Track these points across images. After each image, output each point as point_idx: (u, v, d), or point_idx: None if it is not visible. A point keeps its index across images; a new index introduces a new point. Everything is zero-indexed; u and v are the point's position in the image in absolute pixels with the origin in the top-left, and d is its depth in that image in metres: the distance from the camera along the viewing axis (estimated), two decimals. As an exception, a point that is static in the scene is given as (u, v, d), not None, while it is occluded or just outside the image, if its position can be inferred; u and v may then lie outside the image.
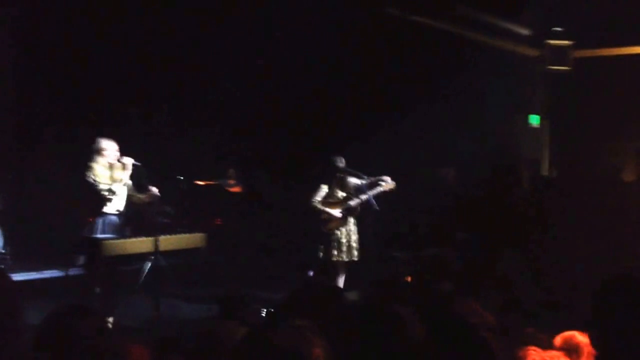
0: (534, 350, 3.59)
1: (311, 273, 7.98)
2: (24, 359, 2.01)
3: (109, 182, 7.94)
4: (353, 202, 9.32)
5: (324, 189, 9.31)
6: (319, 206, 9.25)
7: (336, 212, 9.27)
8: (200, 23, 11.08)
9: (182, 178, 10.39)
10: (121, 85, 10.98)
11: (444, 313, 2.48)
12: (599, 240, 8.54)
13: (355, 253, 9.36)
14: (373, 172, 9.47)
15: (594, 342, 2.79)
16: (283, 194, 11.42)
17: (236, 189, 11.82)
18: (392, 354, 2.20)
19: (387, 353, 2.21)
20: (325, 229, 9.27)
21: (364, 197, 9.24)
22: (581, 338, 3.65)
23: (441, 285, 5.58)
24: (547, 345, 3.67)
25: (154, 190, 8.14)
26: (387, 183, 9.36)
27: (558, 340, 3.74)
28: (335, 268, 9.19)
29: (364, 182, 9.34)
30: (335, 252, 9.22)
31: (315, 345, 2.48)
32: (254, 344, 2.60)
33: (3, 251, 10.21)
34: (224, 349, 3.10)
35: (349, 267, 9.37)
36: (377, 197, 9.27)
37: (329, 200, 9.31)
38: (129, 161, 8.04)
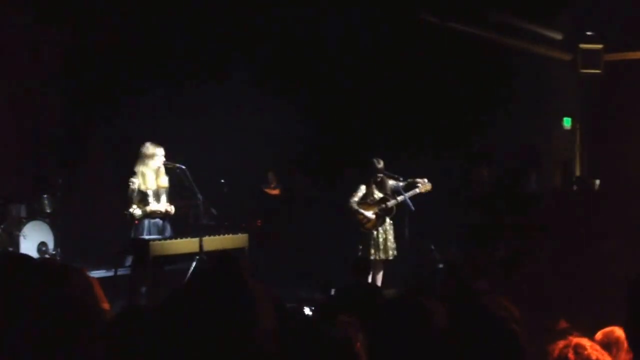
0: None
1: (333, 291, 8.15)
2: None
3: (154, 187, 8.13)
4: (389, 203, 9.56)
5: (362, 190, 9.56)
6: (355, 207, 9.50)
7: (369, 214, 9.50)
8: (243, 36, 11.34)
9: (223, 181, 10.63)
10: (168, 90, 11.26)
11: (473, 307, 2.59)
12: (632, 241, 8.62)
13: (391, 252, 9.61)
14: (409, 172, 9.68)
15: (631, 340, 2.91)
16: (322, 195, 11.60)
17: (275, 192, 12.04)
18: (416, 343, 2.31)
19: (412, 342, 2.31)
20: (363, 229, 9.53)
21: (400, 198, 9.48)
22: (620, 332, 3.77)
23: (477, 284, 5.79)
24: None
25: (171, 208, 8.27)
26: (424, 185, 9.57)
27: (599, 335, 3.88)
28: (373, 267, 9.42)
29: (400, 183, 9.57)
30: (373, 251, 9.48)
31: (357, 339, 2.75)
32: (308, 335, 2.83)
33: (54, 252, 10.58)
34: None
35: (386, 266, 9.62)
36: (413, 197, 9.50)
37: (367, 200, 9.56)
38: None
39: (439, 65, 11.58)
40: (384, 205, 9.54)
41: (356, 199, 9.53)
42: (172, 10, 10.84)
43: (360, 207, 9.52)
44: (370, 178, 9.56)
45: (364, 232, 9.55)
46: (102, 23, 10.87)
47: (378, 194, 9.59)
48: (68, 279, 1.96)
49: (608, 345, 3.73)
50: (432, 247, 10.02)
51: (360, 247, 9.54)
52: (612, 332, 3.88)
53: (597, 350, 3.13)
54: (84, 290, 2.01)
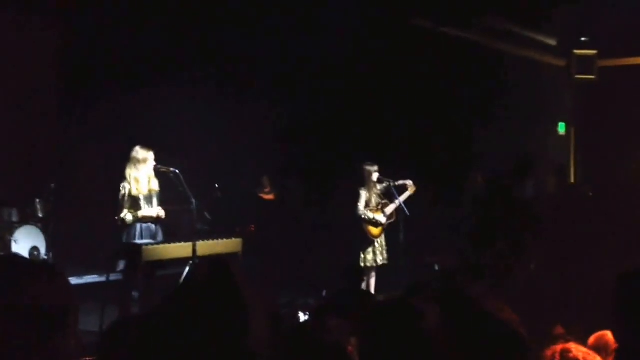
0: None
1: (324, 293, 8.11)
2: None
3: (145, 191, 8.05)
4: (387, 209, 9.54)
5: (364, 196, 9.50)
6: (369, 214, 9.45)
7: (382, 218, 9.49)
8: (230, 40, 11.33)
9: (217, 186, 10.59)
10: (161, 94, 11.19)
11: (474, 310, 2.57)
12: (624, 245, 8.65)
13: (386, 256, 9.59)
14: (403, 178, 9.68)
15: (616, 337, 2.94)
16: (316, 200, 11.58)
17: (270, 196, 12.02)
18: (408, 346, 2.28)
19: (403, 344, 2.29)
20: (371, 236, 9.47)
21: (396, 202, 9.46)
22: (611, 337, 3.75)
23: (474, 289, 5.74)
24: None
25: (162, 212, 8.17)
26: (410, 186, 9.59)
27: (591, 339, 3.95)
28: (368, 272, 9.39)
29: (386, 185, 9.56)
30: (370, 257, 9.45)
31: (349, 343, 2.74)
32: (301, 338, 2.82)
33: (45, 257, 10.52)
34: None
35: (379, 271, 9.58)
36: (405, 201, 9.49)
37: (370, 207, 9.52)
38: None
39: (433, 71, 11.60)
40: (385, 211, 9.54)
41: (363, 204, 9.47)
42: (167, 13, 10.82)
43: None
44: (367, 183, 9.53)
45: (364, 238, 9.49)
46: (95, 28, 10.84)
47: (376, 199, 9.58)
48: (55, 278, 1.95)
49: (598, 349, 3.75)
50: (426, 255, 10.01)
51: (362, 254, 9.47)
52: (602, 336, 3.92)
53: (581, 352, 3.18)
54: (69, 292, 1.99)
